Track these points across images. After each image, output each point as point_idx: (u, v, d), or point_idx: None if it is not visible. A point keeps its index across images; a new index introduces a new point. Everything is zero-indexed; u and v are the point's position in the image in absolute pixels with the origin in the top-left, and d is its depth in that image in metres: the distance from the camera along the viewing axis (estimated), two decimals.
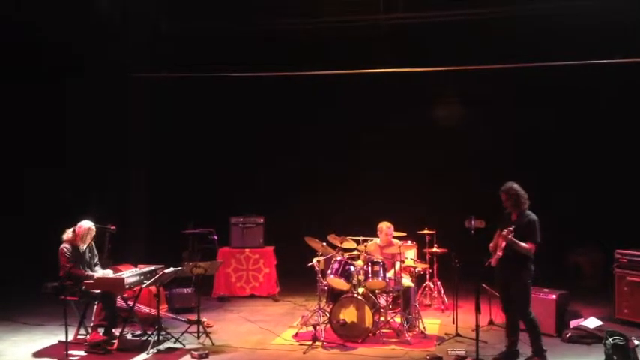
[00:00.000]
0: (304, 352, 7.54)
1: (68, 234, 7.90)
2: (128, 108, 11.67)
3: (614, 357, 6.81)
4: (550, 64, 9.60)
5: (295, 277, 10.81)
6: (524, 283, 6.97)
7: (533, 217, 6.99)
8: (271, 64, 10.63)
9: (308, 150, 12.18)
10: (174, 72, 11.05)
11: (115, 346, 7.57)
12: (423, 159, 11.61)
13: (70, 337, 7.54)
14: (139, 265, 8.38)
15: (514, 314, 7.11)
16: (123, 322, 7.85)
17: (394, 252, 8.49)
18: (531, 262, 6.96)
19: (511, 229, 6.74)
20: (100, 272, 7.94)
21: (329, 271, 8.22)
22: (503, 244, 6.81)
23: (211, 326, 8.57)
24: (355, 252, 8.80)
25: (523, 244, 6.80)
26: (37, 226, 10.39)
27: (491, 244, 7.13)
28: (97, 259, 8.14)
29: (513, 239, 6.75)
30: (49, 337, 8.17)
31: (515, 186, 7.04)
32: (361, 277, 8.14)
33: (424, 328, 8.29)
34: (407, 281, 8.47)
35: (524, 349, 7.18)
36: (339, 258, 8.31)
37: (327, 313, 8.11)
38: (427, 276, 9.75)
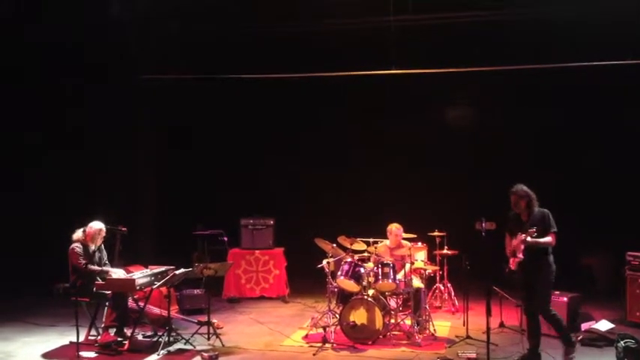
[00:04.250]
0: (314, 354, 7.53)
1: (78, 234, 7.96)
2: (137, 109, 11.72)
3: None
4: (560, 65, 9.54)
5: (305, 279, 10.81)
6: (547, 280, 6.97)
7: (544, 210, 7.04)
8: (279, 66, 10.65)
9: (318, 151, 12.16)
10: (183, 74, 11.08)
11: (126, 347, 7.61)
12: (433, 160, 11.58)
13: (81, 338, 7.58)
14: (149, 267, 8.44)
15: (537, 317, 7.10)
16: (133, 324, 7.86)
17: (404, 254, 8.47)
18: (551, 258, 6.97)
19: (534, 230, 6.73)
20: (113, 271, 7.98)
21: (339, 273, 8.22)
22: (522, 246, 6.83)
23: (221, 327, 8.58)
24: (365, 254, 8.79)
25: (544, 239, 6.84)
26: (47, 225, 10.48)
27: (508, 250, 7.13)
28: (106, 259, 8.19)
29: (537, 240, 6.78)
30: (60, 338, 8.22)
31: (525, 187, 7.08)
32: (371, 279, 8.12)
33: (434, 330, 8.28)
34: (417, 283, 8.45)
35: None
36: (349, 260, 8.31)
37: (337, 315, 8.10)
38: (437, 278, 9.73)
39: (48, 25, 10.30)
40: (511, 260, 7.04)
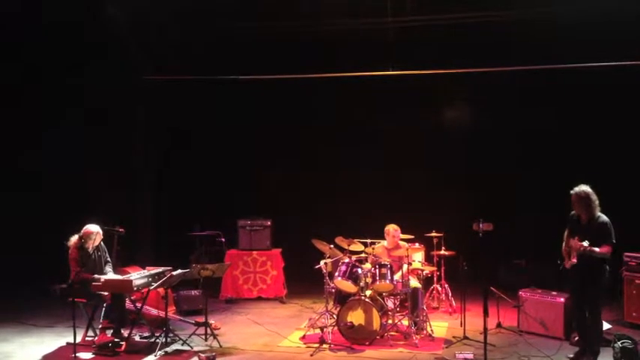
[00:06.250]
0: (311, 355, 7.54)
1: (75, 238, 7.95)
2: (136, 109, 11.71)
3: None
4: (556, 66, 9.59)
5: (303, 280, 10.81)
6: (599, 288, 6.96)
7: (605, 218, 6.92)
8: (278, 66, 10.66)
9: (316, 152, 12.16)
10: (182, 75, 11.08)
11: (123, 348, 7.61)
12: (430, 161, 11.58)
13: (79, 339, 7.57)
14: (146, 268, 8.44)
15: (585, 317, 7.15)
16: (131, 324, 7.87)
17: (401, 254, 8.48)
18: (608, 265, 6.94)
19: (586, 244, 6.64)
20: (109, 275, 7.97)
21: (336, 274, 8.22)
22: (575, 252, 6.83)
23: (219, 328, 8.59)
24: (363, 254, 8.79)
25: (598, 250, 6.71)
26: (46, 226, 10.48)
27: (564, 248, 7.13)
28: (107, 256, 8.19)
29: (591, 249, 6.67)
30: (58, 339, 8.21)
31: (587, 189, 6.98)
32: (369, 280, 8.12)
33: (432, 331, 8.27)
34: (414, 284, 8.46)
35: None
36: (346, 260, 8.32)
37: (335, 316, 8.10)
38: (435, 279, 9.73)
39: (47, 24, 10.31)
40: (566, 260, 7.05)
